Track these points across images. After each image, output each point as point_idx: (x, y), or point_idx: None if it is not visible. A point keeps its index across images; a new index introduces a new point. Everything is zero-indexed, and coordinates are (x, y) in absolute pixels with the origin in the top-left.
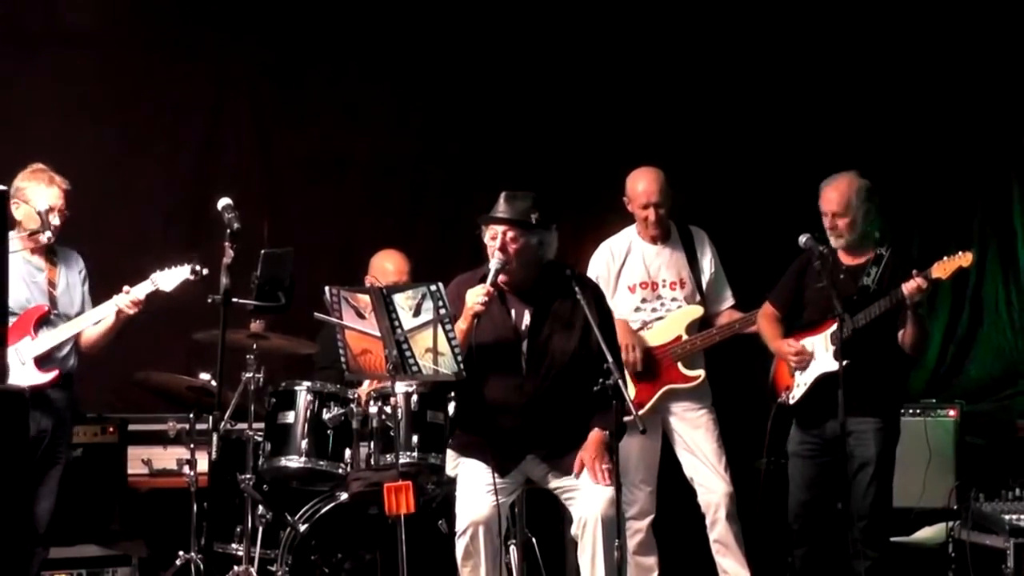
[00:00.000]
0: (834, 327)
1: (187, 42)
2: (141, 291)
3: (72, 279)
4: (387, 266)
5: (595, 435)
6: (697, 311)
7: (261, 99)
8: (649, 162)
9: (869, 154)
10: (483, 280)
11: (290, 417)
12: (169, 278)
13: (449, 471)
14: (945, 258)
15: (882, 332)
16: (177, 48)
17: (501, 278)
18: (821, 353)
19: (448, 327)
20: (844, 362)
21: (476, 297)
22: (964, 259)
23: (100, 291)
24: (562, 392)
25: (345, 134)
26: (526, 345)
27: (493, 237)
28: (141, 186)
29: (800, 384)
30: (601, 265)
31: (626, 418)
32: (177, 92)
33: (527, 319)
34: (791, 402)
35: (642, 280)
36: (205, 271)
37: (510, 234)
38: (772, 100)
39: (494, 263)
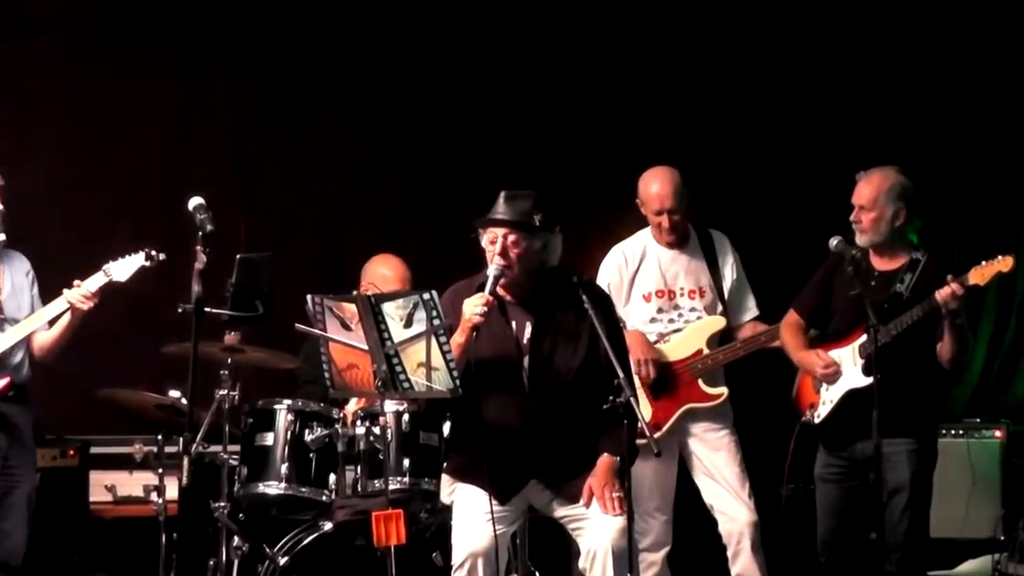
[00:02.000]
0: (863, 338)
1: (158, 29)
2: (93, 283)
3: (18, 281)
4: (385, 272)
5: (604, 460)
6: (719, 322)
7: (238, 89)
8: (664, 159)
9: (909, 155)
10: (481, 289)
11: (269, 439)
12: (123, 267)
13: (444, 498)
14: (984, 263)
15: (917, 344)
16: (147, 35)
17: (501, 285)
18: (849, 367)
19: (443, 339)
20: (875, 376)
21: (474, 307)
22: (1004, 264)
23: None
24: (568, 411)
25: (331, 128)
26: (528, 360)
27: (492, 241)
28: (106, 184)
29: (826, 401)
30: (613, 271)
31: (639, 440)
32: (146, 82)
33: (529, 331)
34: (816, 421)
35: (658, 288)
36: (162, 256)
37: (511, 237)
38: (802, 91)
39: (492, 269)
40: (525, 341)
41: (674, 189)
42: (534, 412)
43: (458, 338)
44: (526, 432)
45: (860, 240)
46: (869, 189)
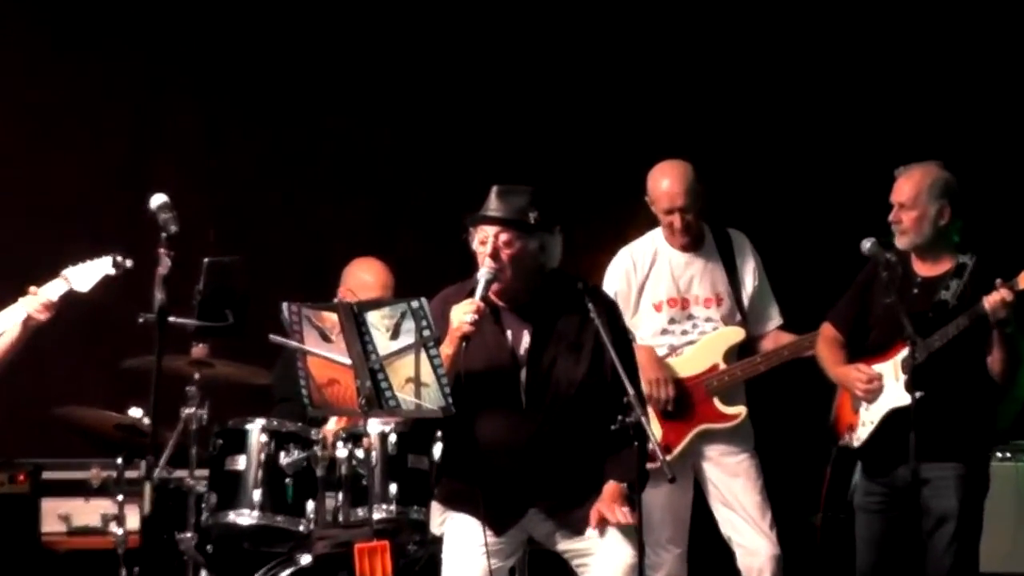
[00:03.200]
0: (905, 352)
1: (118, 10)
2: (52, 291)
3: None
4: (365, 277)
5: (611, 487)
6: (737, 334)
7: (208, 78)
8: (675, 152)
9: (951, 148)
10: (471, 295)
11: (240, 462)
12: (85, 274)
13: (434, 528)
14: None
15: (965, 357)
16: (107, 17)
17: (494, 290)
18: (891, 384)
19: (433, 352)
20: (917, 394)
21: (462, 315)
22: None
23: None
24: (571, 429)
25: (309, 121)
26: (525, 372)
27: (483, 241)
28: (61, 181)
29: (866, 422)
30: (620, 277)
31: (650, 464)
32: (106, 70)
33: (526, 341)
34: (855, 444)
35: (670, 296)
36: (129, 263)
37: (503, 237)
38: (833, 74)
39: (483, 273)
40: (522, 352)
41: (686, 185)
42: (533, 430)
43: (446, 349)
44: (524, 453)
45: (900, 242)
46: (910, 186)
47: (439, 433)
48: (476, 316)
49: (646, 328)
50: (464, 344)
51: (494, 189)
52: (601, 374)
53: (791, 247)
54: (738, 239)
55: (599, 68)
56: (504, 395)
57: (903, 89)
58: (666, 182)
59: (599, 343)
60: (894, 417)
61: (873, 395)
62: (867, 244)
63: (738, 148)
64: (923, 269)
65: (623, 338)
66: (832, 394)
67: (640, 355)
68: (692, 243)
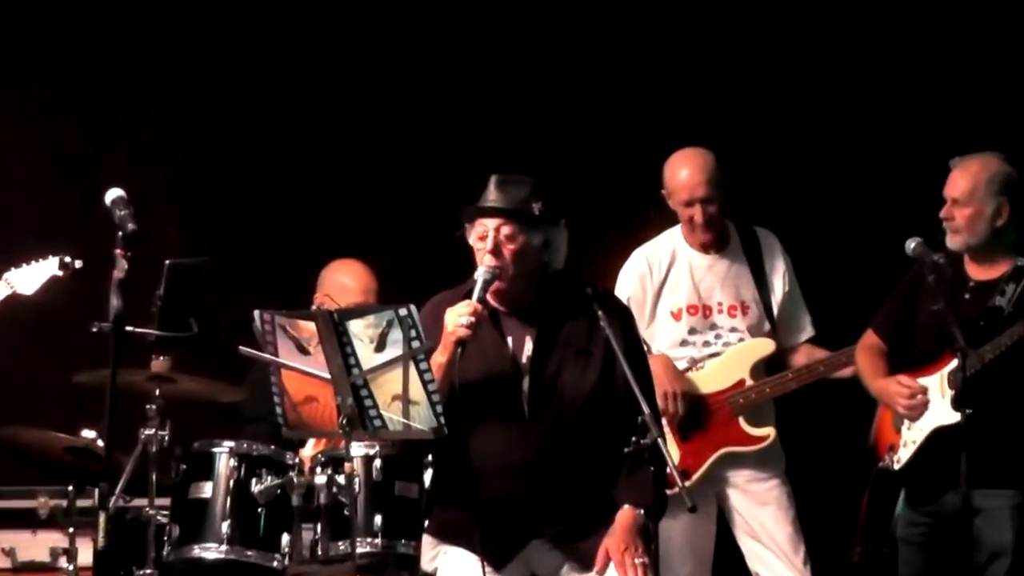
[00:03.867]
0: (953, 364)
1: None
2: None
3: None
4: (346, 281)
5: (626, 515)
6: (766, 346)
7: (171, 60)
8: (693, 140)
9: (1013, 139)
10: (468, 297)
11: (206, 490)
12: (29, 277)
13: (425, 564)
14: None
15: (1021, 370)
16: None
17: (493, 291)
18: (937, 400)
19: (423, 366)
20: (967, 411)
21: (458, 317)
22: None
23: None
24: (578, 446)
25: (285, 112)
26: (528, 382)
27: (482, 236)
28: (7, 174)
29: (908, 442)
30: (634, 282)
31: (668, 491)
32: (61, 52)
33: (529, 347)
34: (896, 467)
35: (690, 303)
36: (78, 263)
37: (505, 230)
38: (873, 54)
39: (482, 272)
40: (524, 359)
41: (708, 174)
42: (537, 446)
43: (439, 357)
44: (527, 472)
45: (952, 242)
46: (965, 180)
47: (430, 457)
48: (473, 319)
49: (663, 339)
50: (460, 350)
51: (493, 179)
52: (613, 386)
53: (826, 248)
54: (767, 239)
55: (609, 55)
56: (504, 407)
57: (958, 67)
58: (685, 171)
59: (610, 352)
60: (940, 437)
61: (917, 412)
62: (912, 244)
63: (765, 136)
64: (976, 272)
65: (637, 349)
66: (872, 410)
67: (654, 365)
68: (715, 242)
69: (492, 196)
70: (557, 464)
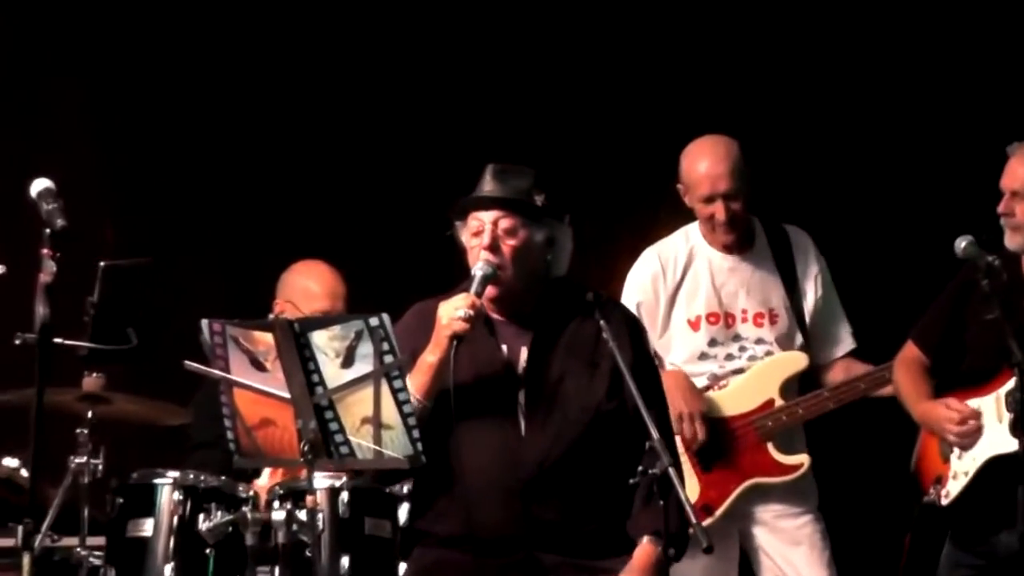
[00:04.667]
0: (1011, 383)
1: None
2: None
3: None
4: (310, 286)
5: (645, 553)
6: (797, 361)
7: (104, 35)
8: (713, 129)
9: None
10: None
11: (147, 527)
12: None
13: None
14: None
15: None
16: None
17: (488, 296)
18: (992, 424)
19: (398, 384)
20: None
21: (455, 311)
22: None
23: None
24: (583, 467)
25: (239, 88)
26: (525, 392)
27: (477, 232)
28: None
29: (958, 474)
30: (645, 284)
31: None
32: None
33: (525, 354)
34: (944, 502)
35: (710, 310)
36: (2, 269)
37: (504, 224)
38: (914, 32)
39: (480, 266)
40: (521, 369)
41: (732, 165)
42: (535, 463)
43: (429, 357)
44: (524, 493)
45: (1012, 241)
46: None
47: (405, 490)
48: (472, 312)
49: (680, 351)
50: (455, 346)
51: (489, 168)
52: (622, 402)
53: (866, 249)
54: (798, 238)
55: (615, 38)
56: (498, 418)
57: (1014, 44)
58: (705, 162)
59: (618, 366)
60: (995, 467)
61: (969, 440)
62: (962, 243)
63: (795, 122)
64: None
65: (647, 364)
66: (915, 436)
67: (667, 382)
68: (739, 242)
69: (489, 186)
70: (558, 485)
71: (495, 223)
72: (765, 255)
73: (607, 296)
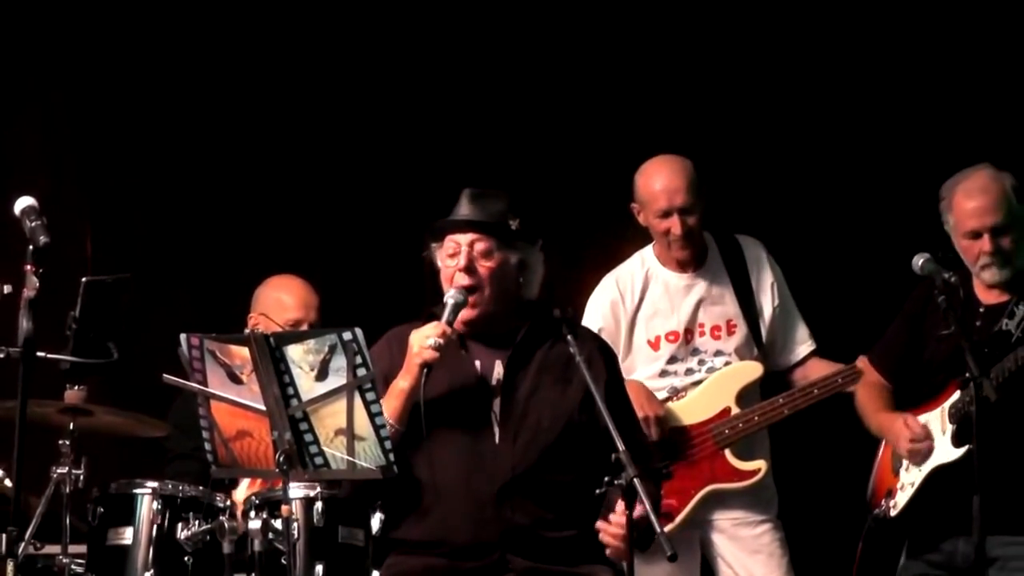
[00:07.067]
0: (955, 396)
1: None
2: None
3: None
4: (282, 298)
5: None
6: (752, 370)
7: (86, 52)
8: (668, 151)
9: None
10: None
11: (127, 536)
12: None
13: None
14: None
15: None
16: None
17: (463, 318)
18: (937, 436)
19: (371, 396)
20: (964, 448)
21: (425, 339)
22: None
23: None
24: (554, 476)
25: (216, 103)
26: (499, 402)
27: (453, 253)
28: None
29: (905, 485)
30: (604, 311)
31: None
32: None
33: (499, 370)
34: (893, 512)
35: (669, 329)
36: (8, 288)
37: (480, 246)
38: (868, 54)
39: (452, 294)
40: (495, 381)
41: (688, 180)
42: (509, 472)
43: (401, 383)
44: (498, 498)
45: (998, 276)
46: (990, 199)
47: (378, 501)
48: (441, 340)
49: (642, 371)
50: (425, 374)
51: (465, 192)
52: (592, 417)
53: (820, 256)
54: (751, 249)
55: (580, 62)
56: (473, 429)
57: (966, 63)
58: (661, 179)
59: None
60: (938, 477)
61: (919, 456)
62: (920, 261)
63: (752, 136)
64: (988, 295)
65: (619, 386)
66: (876, 445)
67: (627, 389)
68: (693, 258)
69: (466, 210)
70: (531, 491)
71: (471, 245)
72: (718, 268)
73: (573, 312)
